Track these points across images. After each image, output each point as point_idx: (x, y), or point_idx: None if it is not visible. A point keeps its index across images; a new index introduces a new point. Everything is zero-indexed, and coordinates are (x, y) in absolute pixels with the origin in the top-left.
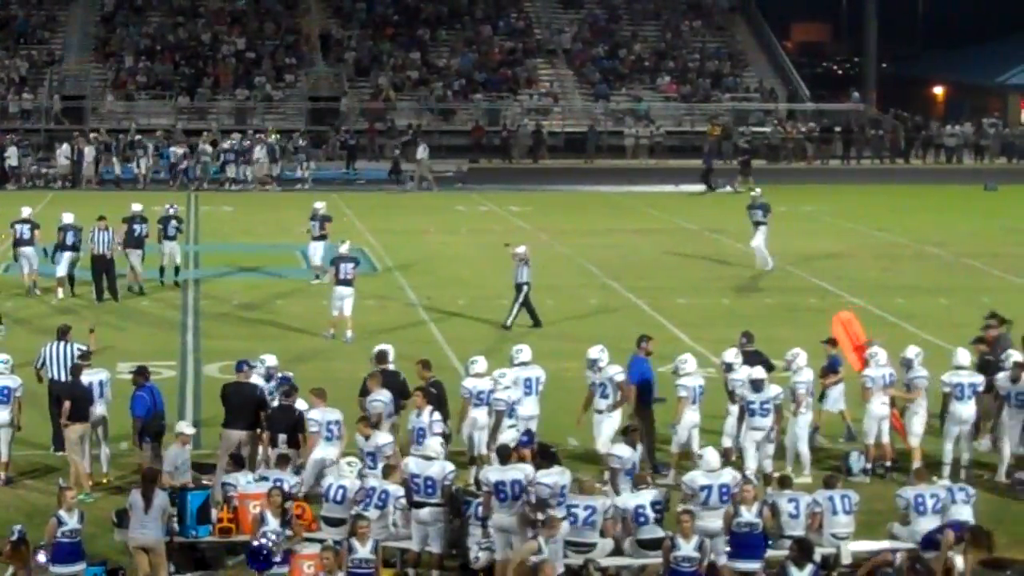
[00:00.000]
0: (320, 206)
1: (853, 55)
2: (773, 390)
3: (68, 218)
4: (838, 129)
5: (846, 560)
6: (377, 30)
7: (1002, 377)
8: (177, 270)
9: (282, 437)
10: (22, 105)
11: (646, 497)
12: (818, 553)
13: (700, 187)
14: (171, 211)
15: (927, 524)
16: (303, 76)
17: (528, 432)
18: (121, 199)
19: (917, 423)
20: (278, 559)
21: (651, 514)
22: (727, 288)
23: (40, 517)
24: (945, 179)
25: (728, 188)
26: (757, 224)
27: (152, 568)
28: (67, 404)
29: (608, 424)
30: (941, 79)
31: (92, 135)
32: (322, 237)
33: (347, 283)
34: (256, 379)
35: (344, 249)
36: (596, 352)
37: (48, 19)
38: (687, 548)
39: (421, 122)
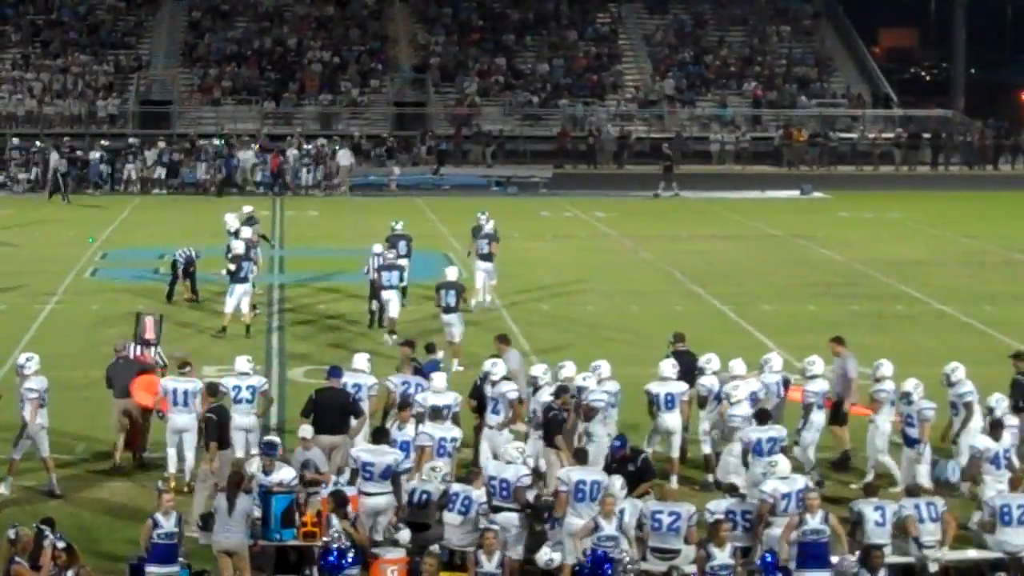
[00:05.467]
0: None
1: (941, 61)
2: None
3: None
4: (926, 135)
5: (933, 568)
6: (463, 36)
7: None
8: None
9: None
10: (108, 110)
11: (734, 504)
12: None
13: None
14: (398, 228)
15: (1014, 534)
16: (388, 81)
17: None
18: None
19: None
20: (349, 559)
21: (740, 521)
22: (813, 295)
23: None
24: None
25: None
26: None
27: (235, 571)
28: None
29: (498, 441)
30: None
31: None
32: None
33: (451, 310)
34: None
35: (452, 275)
36: (488, 364)
37: (135, 25)
38: (722, 556)
39: (505, 127)
